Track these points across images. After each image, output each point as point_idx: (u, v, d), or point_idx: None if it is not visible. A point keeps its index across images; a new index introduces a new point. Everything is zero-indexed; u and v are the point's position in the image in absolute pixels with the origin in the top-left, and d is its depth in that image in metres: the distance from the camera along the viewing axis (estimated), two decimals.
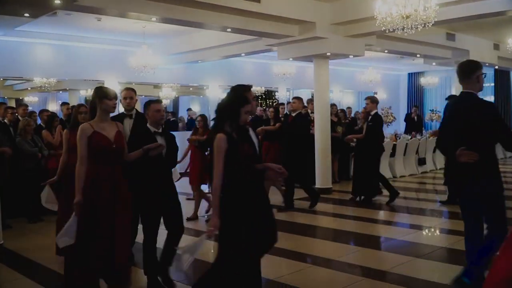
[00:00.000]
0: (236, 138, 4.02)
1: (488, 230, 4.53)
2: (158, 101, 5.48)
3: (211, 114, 8.37)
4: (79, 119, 5.98)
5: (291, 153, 9.24)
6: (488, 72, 19.81)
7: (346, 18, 10.57)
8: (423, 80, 20.94)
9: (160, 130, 5.13)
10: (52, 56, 13.26)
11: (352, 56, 12.53)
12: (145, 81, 14.58)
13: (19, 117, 9.71)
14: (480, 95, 4.71)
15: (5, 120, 9.12)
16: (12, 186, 8.36)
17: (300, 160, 9.34)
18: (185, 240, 5.16)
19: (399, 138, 13.93)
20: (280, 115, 12.56)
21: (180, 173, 8.08)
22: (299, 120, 9.36)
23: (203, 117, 9.13)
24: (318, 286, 5.33)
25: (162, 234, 5.17)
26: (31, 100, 19.45)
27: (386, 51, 13.87)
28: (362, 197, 10.06)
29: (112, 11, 8.58)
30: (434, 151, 14.73)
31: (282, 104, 13.75)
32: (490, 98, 20.23)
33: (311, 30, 10.64)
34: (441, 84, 21.41)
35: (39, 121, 9.74)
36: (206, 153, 8.52)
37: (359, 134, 10.02)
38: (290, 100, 16.09)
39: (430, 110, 19.57)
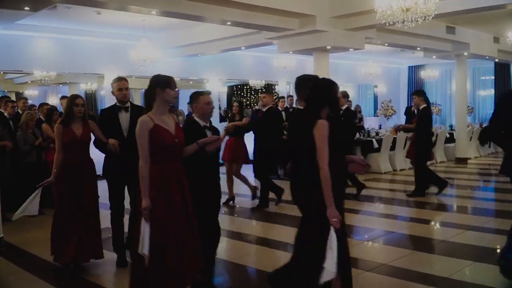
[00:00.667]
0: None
1: None
2: (208, 92, 5.09)
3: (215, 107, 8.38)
4: (75, 112, 5.58)
5: (262, 148, 9.08)
6: (488, 66, 19.81)
7: (346, 11, 10.56)
8: (423, 73, 20.92)
9: (209, 124, 4.84)
10: (52, 50, 13.24)
11: (352, 49, 12.53)
12: (145, 74, 14.51)
13: (19, 110, 9.72)
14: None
15: (5, 114, 9.13)
16: (12, 179, 8.37)
17: (270, 156, 9.19)
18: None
19: (399, 132, 13.91)
20: (281, 109, 12.61)
21: None
22: (269, 115, 9.10)
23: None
24: None
25: None
26: (31, 93, 19.43)
27: (386, 44, 13.85)
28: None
29: (112, 4, 8.58)
30: (434, 144, 14.73)
31: (282, 97, 13.75)
32: (490, 92, 20.24)
33: (311, 23, 10.63)
34: (441, 77, 21.38)
35: (39, 115, 9.74)
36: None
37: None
38: (291, 94, 16.16)
39: (431, 103, 19.53)
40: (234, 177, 9.49)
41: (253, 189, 9.61)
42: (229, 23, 10.28)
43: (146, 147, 3.97)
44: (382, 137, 13.40)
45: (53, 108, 9.43)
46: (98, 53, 13.87)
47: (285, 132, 11.15)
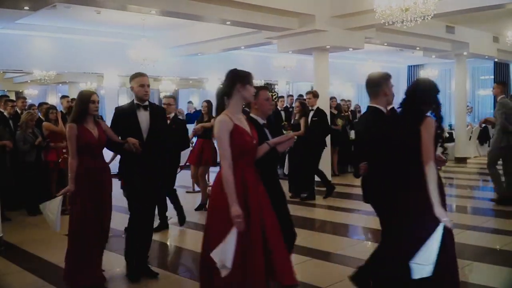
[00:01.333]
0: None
1: None
2: (266, 88, 4.74)
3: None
4: (92, 110, 4.97)
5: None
6: (488, 65, 19.81)
7: (346, 11, 10.57)
8: (422, 73, 20.89)
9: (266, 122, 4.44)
10: (52, 49, 13.24)
11: (351, 49, 12.53)
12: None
13: (18, 110, 9.73)
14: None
15: (5, 113, 9.13)
16: (12, 179, 8.38)
17: None
18: None
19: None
20: (280, 108, 12.63)
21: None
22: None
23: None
24: (317, 279, 5.33)
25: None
26: (31, 93, 19.42)
27: (385, 44, 13.85)
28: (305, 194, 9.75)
29: (111, 4, 8.58)
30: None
31: (282, 97, 13.77)
32: (490, 91, 20.19)
33: (311, 23, 10.64)
34: (441, 76, 21.35)
35: (38, 114, 9.74)
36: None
37: (295, 129, 9.43)
38: (291, 93, 16.17)
39: None
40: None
41: (205, 199, 8.77)
42: (228, 22, 10.28)
43: (229, 150, 3.60)
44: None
45: (50, 107, 9.43)
46: (98, 53, 13.87)
47: (284, 132, 11.17)
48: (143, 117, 5.13)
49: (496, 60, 17.72)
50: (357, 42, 11.74)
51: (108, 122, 5.46)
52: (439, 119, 3.85)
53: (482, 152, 17.00)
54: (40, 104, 10.03)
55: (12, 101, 9.74)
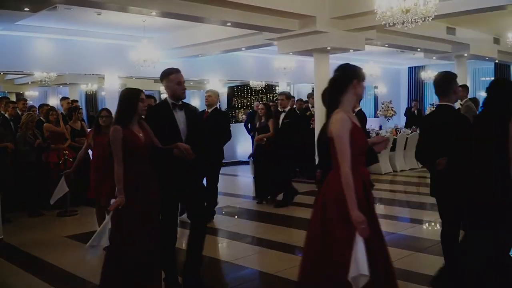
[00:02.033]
0: None
1: None
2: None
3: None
4: (140, 110, 4.35)
5: (208, 151, 8.60)
6: (488, 66, 19.81)
7: (346, 12, 10.56)
8: (423, 74, 20.87)
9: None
10: (53, 51, 13.25)
11: (352, 50, 12.53)
12: (145, 75, 14.55)
13: (19, 111, 9.73)
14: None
15: (6, 115, 9.14)
16: (13, 180, 8.38)
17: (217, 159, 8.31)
18: None
19: (400, 133, 13.92)
20: (280, 110, 12.61)
21: None
22: (215, 116, 8.13)
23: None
24: None
25: None
26: (32, 94, 19.43)
27: (386, 45, 13.86)
28: (269, 196, 9.54)
29: (112, 5, 8.58)
30: None
31: None
32: None
33: (311, 24, 10.64)
34: None
35: (39, 116, 9.74)
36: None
37: (263, 131, 9.19)
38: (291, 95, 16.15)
39: (431, 104, 19.54)
40: None
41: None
42: (229, 24, 10.28)
43: (349, 152, 3.29)
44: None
45: (50, 108, 9.44)
46: (99, 54, 13.89)
47: None
48: (180, 117, 4.73)
49: (496, 61, 17.74)
50: (357, 43, 11.74)
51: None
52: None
53: None
54: (41, 106, 10.05)
55: (13, 102, 9.75)
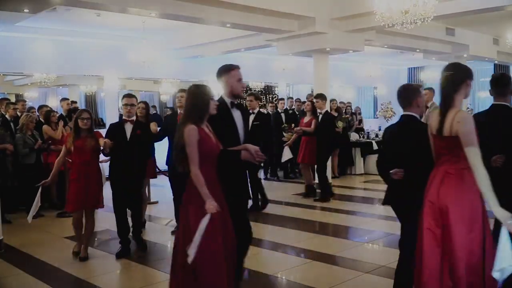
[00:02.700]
0: None
1: None
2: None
3: None
4: (211, 109, 3.97)
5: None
6: (488, 67, 19.82)
7: (346, 13, 10.57)
8: (423, 75, 20.93)
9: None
10: (52, 52, 13.24)
11: (351, 51, 12.53)
12: (145, 76, 14.58)
13: (18, 112, 9.74)
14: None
15: (6, 116, 9.14)
16: (12, 181, 8.38)
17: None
18: None
19: None
20: (280, 111, 12.66)
21: None
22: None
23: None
24: (317, 281, 5.32)
25: None
26: (31, 95, 19.41)
27: (385, 46, 13.86)
28: None
29: (111, 6, 8.57)
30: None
31: (282, 99, 13.78)
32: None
33: (311, 25, 10.64)
34: None
35: (38, 117, 9.74)
36: None
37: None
38: (290, 96, 16.15)
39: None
40: None
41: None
42: (228, 25, 10.29)
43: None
44: (381, 138, 13.38)
45: (51, 110, 9.44)
46: (98, 55, 13.87)
47: (284, 134, 11.17)
48: (238, 117, 4.37)
49: (496, 62, 17.73)
50: (357, 44, 11.75)
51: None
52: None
53: None
54: (40, 107, 10.03)
55: (13, 103, 9.76)
